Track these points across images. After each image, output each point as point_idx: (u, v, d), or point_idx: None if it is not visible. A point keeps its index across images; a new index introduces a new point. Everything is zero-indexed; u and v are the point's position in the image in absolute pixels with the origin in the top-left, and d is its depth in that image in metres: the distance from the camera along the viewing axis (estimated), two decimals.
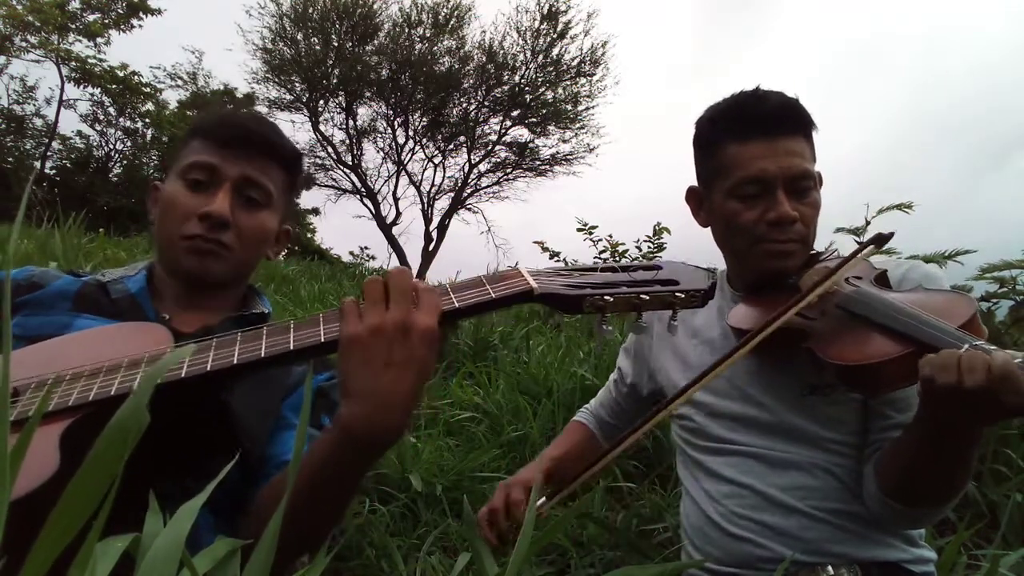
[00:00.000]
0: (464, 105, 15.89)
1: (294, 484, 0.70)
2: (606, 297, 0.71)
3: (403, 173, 16.56)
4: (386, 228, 16.17)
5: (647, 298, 0.72)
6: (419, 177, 16.65)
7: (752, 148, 1.03)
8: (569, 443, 1.33)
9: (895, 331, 0.87)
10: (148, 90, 16.30)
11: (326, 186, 16.72)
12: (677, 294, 0.72)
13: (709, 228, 1.17)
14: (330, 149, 16.24)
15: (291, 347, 0.69)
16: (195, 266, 0.94)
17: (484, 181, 16.78)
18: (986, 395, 0.72)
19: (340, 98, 15.83)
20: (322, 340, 0.69)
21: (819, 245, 1.14)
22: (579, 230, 5.24)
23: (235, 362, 0.68)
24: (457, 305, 0.70)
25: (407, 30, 15.16)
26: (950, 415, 0.78)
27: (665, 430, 1.98)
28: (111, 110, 16.51)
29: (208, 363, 0.69)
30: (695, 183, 1.18)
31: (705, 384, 0.98)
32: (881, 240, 1.01)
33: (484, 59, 15.26)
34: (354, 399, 0.65)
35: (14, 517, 0.35)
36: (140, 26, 16.18)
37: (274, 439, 0.91)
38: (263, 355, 0.69)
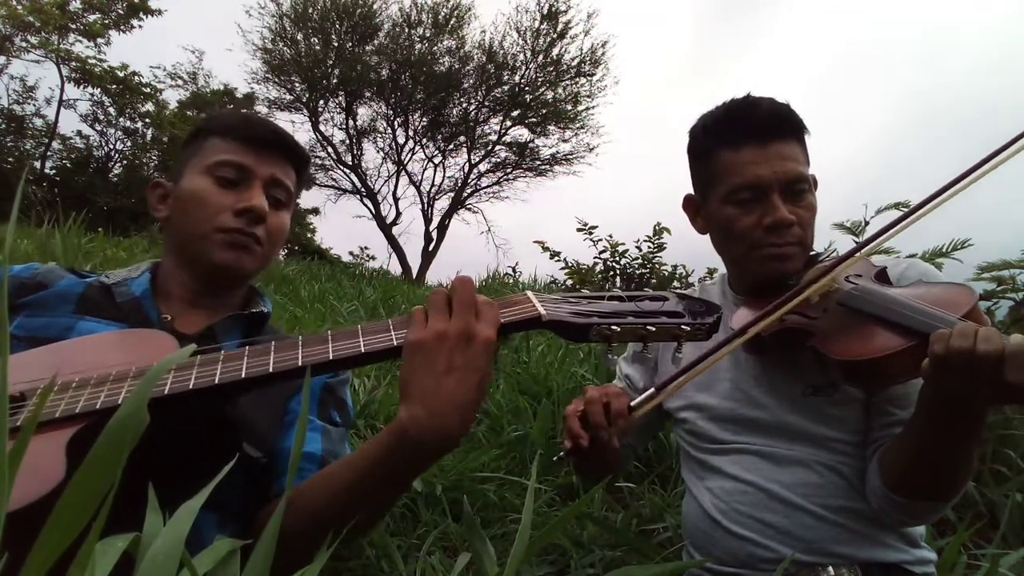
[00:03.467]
0: (464, 105, 15.89)
1: (345, 481, 0.73)
2: (613, 327, 0.72)
3: (403, 173, 16.57)
4: (386, 228, 16.16)
5: (653, 329, 0.73)
6: (419, 177, 16.65)
7: (745, 154, 1.04)
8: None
9: (898, 324, 0.87)
10: (148, 90, 16.27)
11: (326, 186, 16.72)
12: (683, 327, 0.73)
13: (707, 235, 1.18)
14: (330, 149, 16.24)
15: (299, 363, 0.70)
16: (230, 260, 0.96)
17: (484, 181, 16.79)
18: (995, 367, 0.72)
19: (340, 98, 15.83)
20: (331, 358, 0.70)
21: (818, 246, 1.14)
22: (579, 230, 5.24)
23: (243, 376, 0.69)
24: None
25: (407, 30, 15.16)
26: (955, 390, 0.78)
27: (666, 431, 1.98)
28: (111, 110, 16.48)
29: (216, 376, 0.69)
30: (691, 191, 1.19)
31: (710, 366, 0.95)
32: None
33: (484, 59, 15.25)
34: (414, 401, 0.66)
35: (22, 524, 0.35)
36: (140, 26, 16.17)
37: (285, 435, 0.92)
38: (271, 370, 0.70)
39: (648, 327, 0.72)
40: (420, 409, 0.66)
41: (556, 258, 5.33)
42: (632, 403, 0.95)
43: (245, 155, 0.98)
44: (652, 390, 0.96)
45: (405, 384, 0.67)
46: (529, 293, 0.76)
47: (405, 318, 0.73)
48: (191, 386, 0.68)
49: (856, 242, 2.78)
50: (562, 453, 0.96)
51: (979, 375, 0.74)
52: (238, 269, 0.97)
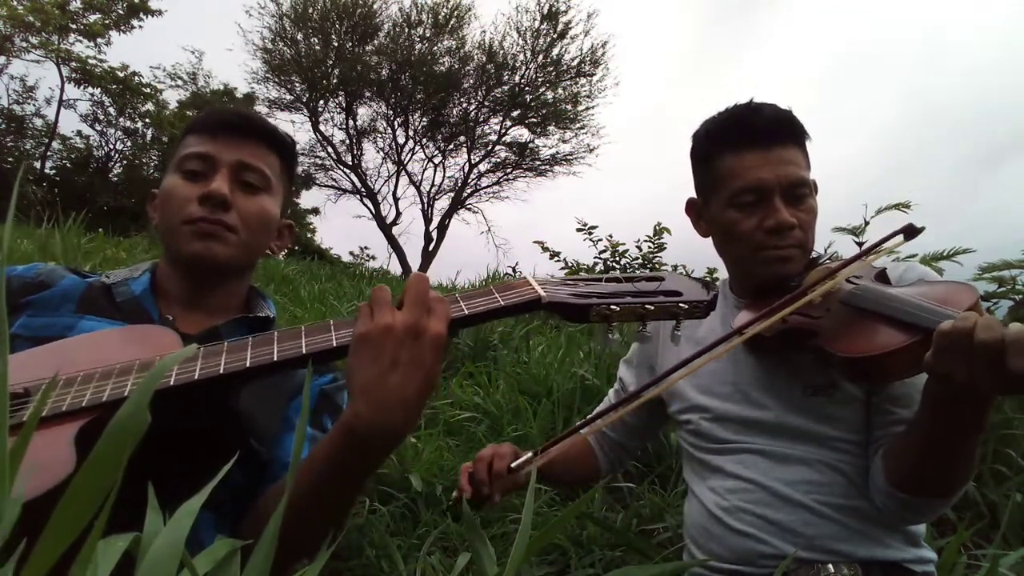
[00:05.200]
0: (464, 105, 15.92)
1: (296, 485, 0.71)
2: (612, 307, 0.72)
3: (403, 173, 16.60)
4: (386, 228, 16.18)
5: (652, 308, 0.73)
6: (419, 177, 16.70)
7: (748, 158, 1.05)
8: (565, 447, 1.31)
9: (902, 321, 0.88)
10: (148, 90, 16.29)
11: (326, 186, 16.77)
12: (681, 304, 0.74)
13: (710, 238, 1.19)
14: (330, 149, 16.28)
15: (303, 351, 0.70)
16: (199, 250, 0.94)
17: (484, 181, 16.83)
18: (996, 354, 0.72)
19: (340, 98, 15.85)
20: (334, 345, 0.70)
21: (818, 248, 1.15)
22: (579, 230, 5.25)
23: (247, 365, 0.69)
24: (467, 312, 0.72)
25: (407, 30, 15.18)
26: (957, 380, 0.78)
27: (666, 431, 1.98)
28: (111, 110, 16.51)
29: (221, 366, 0.69)
30: (693, 194, 1.20)
31: (702, 365, 0.97)
32: (912, 231, 0.96)
33: (484, 59, 15.28)
34: (358, 397, 0.65)
35: (30, 518, 0.35)
36: (140, 26, 16.19)
37: (280, 442, 0.91)
38: (275, 359, 0.70)
39: (647, 306, 0.73)
40: (363, 405, 0.65)
41: (556, 258, 5.34)
42: (512, 464, 1.06)
43: (209, 144, 0.97)
44: (530, 454, 1.06)
45: (349, 379, 0.66)
46: (528, 277, 0.77)
47: None
48: (196, 376, 0.68)
49: (857, 244, 2.79)
50: (451, 501, 1.10)
51: (980, 363, 0.74)
52: (210, 259, 0.95)
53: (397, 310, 0.67)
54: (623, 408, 1.02)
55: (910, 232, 0.98)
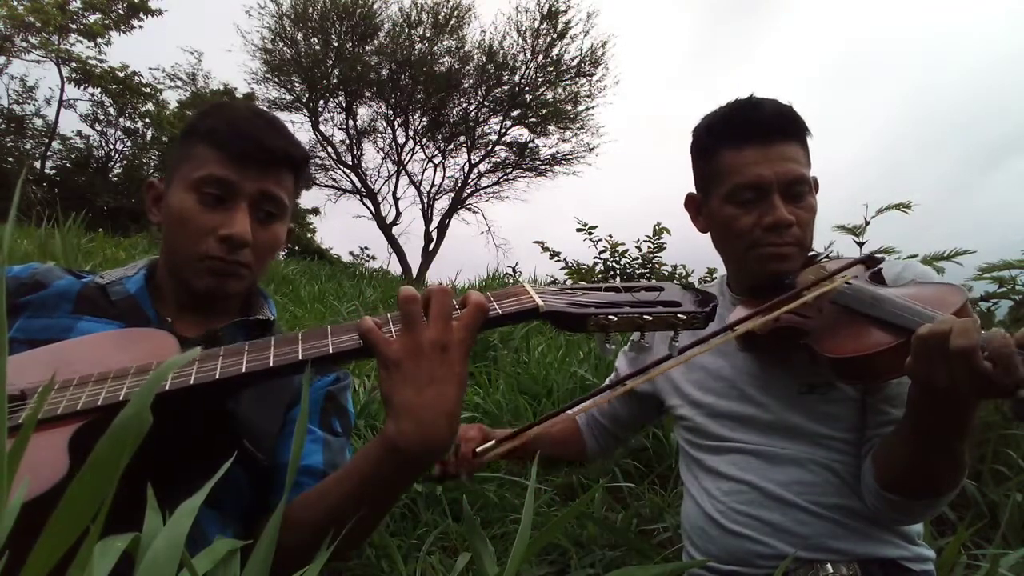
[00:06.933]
0: (464, 105, 15.91)
1: (339, 495, 0.74)
2: (610, 317, 0.72)
3: (403, 173, 16.59)
4: (386, 228, 16.17)
5: (650, 319, 0.73)
6: (419, 177, 16.68)
7: (748, 154, 1.05)
8: (551, 425, 1.27)
9: (888, 323, 0.88)
10: (148, 90, 16.30)
11: (326, 186, 16.75)
12: (679, 315, 0.74)
13: (708, 233, 1.19)
14: (330, 149, 16.26)
15: (299, 357, 0.70)
16: (213, 286, 0.92)
17: (484, 181, 16.82)
18: (972, 359, 0.72)
19: (340, 98, 15.84)
20: (331, 351, 0.70)
21: (818, 247, 1.15)
22: (579, 230, 5.25)
23: (243, 371, 0.69)
24: None
25: (407, 30, 15.17)
26: (936, 383, 0.77)
27: (666, 431, 1.99)
28: (111, 110, 16.52)
29: (217, 371, 0.69)
30: (693, 190, 1.20)
31: (686, 359, 0.95)
32: (872, 261, 1.04)
33: (484, 59, 15.27)
34: (400, 415, 0.66)
35: (23, 521, 0.35)
36: (140, 27, 16.19)
37: (283, 447, 0.91)
38: (271, 364, 0.70)
39: (645, 316, 0.73)
40: (408, 422, 0.65)
41: (556, 258, 5.35)
42: (477, 448, 1.02)
43: (230, 169, 0.91)
44: (493, 441, 1.01)
45: (388, 398, 0.67)
46: (527, 284, 0.77)
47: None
48: (192, 381, 0.68)
49: (856, 243, 2.79)
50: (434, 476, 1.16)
51: (958, 368, 0.73)
52: (222, 294, 0.94)
53: (425, 325, 0.67)
54: (606, 394, 1.01)
55: (871, 261, 1.04)
